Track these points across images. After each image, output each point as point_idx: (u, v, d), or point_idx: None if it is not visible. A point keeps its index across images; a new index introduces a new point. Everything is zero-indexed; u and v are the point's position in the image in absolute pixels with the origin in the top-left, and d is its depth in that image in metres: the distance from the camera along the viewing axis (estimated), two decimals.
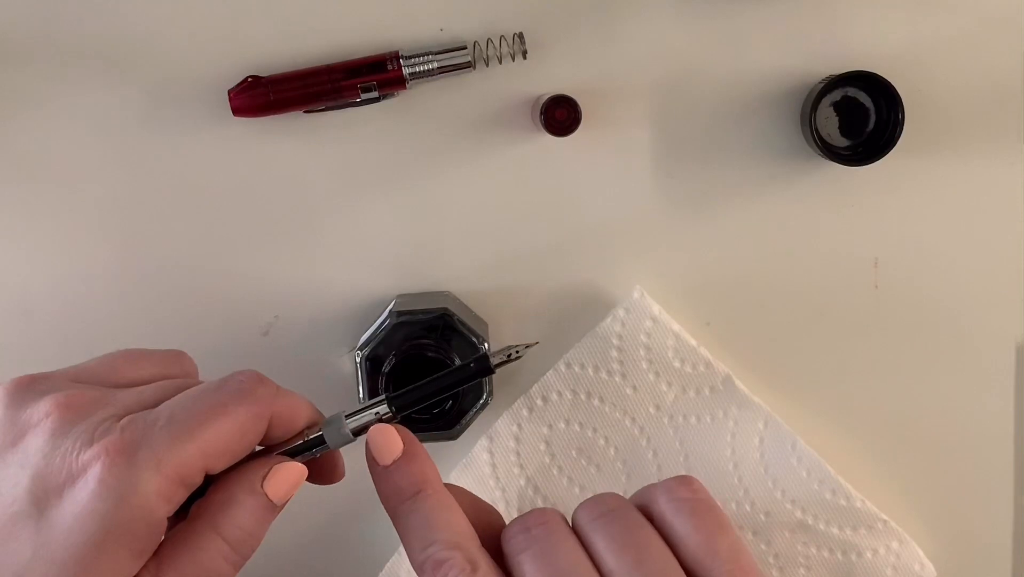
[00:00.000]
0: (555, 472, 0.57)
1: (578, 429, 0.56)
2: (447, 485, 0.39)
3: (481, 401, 0.53)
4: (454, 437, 0.54)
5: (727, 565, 0.35)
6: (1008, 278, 0.57)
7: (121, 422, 0.35)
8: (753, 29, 0.55)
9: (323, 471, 0.41)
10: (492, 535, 0.38)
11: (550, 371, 0.56)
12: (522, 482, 0.56)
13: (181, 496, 0.35)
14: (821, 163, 0.55)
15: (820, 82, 0.54)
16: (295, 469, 0.38)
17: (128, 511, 0.33)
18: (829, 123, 0.55)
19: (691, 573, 0.35)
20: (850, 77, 0.53)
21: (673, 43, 0.55)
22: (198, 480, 0.36)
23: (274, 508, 0.37)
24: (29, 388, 0.37)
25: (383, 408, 0.39)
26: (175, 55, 0.54)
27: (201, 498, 0.37)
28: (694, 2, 0.55)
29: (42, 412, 0.35)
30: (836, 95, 0.55)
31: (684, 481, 0.38)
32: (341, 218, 0.56)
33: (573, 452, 0.57)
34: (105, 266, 0.55)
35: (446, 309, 0.52)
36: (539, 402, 0.56)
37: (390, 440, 0.38)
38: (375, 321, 0.54)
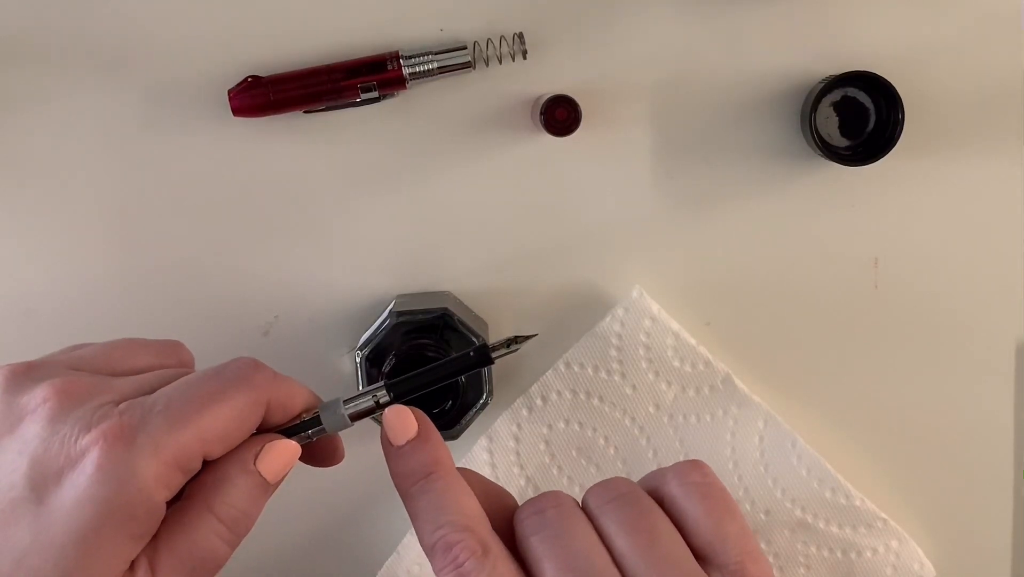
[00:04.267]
0: (555, 472, 0.57)
1: (578, 429, 0.57)
2: (458, 468, 0.39)
3: (481, 401, 0.53)
4: (454, 437, 0.54)
5: (736, 549, 0.35)
6: (1008, 278, 0.57)
7: (119, 408, 0.35)
8: (753, 29, 0.55)
9: (323, 453, 0.41)
10: (504, 517, 0.38)
11: (550, 371, 0.56)
12: (522, 482, 0.57)
13: (179, 481, 0.35)
14: (821, 163, 0.55)
15: (820, 82, 0.54)
16: (288, 447, 0.38)
17: (126, 496, 0.34)
18: (829, 123, 0.55)
19: (700, 556, 0.36)
20: (850, 77, 0.53)
21: (673, 43, 0.55)
22: (196, 466, 0.36)
23: (268, 486, 0.37)
24: (26, 375, 0.37)
25: (382, 394, 0.39)
26: (175, 55, 0.54)
27: (195, 478, 0.37)
28: (694, 2, 0.55)
29: (39, 398, 0.35)
30: (836, 95, 0.55)
31: (695, 465, 0.38)
32: (341, 218, 0.56)
33: (573, 452, 0.57)
34: (105, 266, 0.56)
35: (446, 309, 0.52)
36: (539, 402, 0.56)
37: (405, 421, 0.38)
38: (375, 321, 0.54)
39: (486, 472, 0.56)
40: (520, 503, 0.56)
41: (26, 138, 0.55)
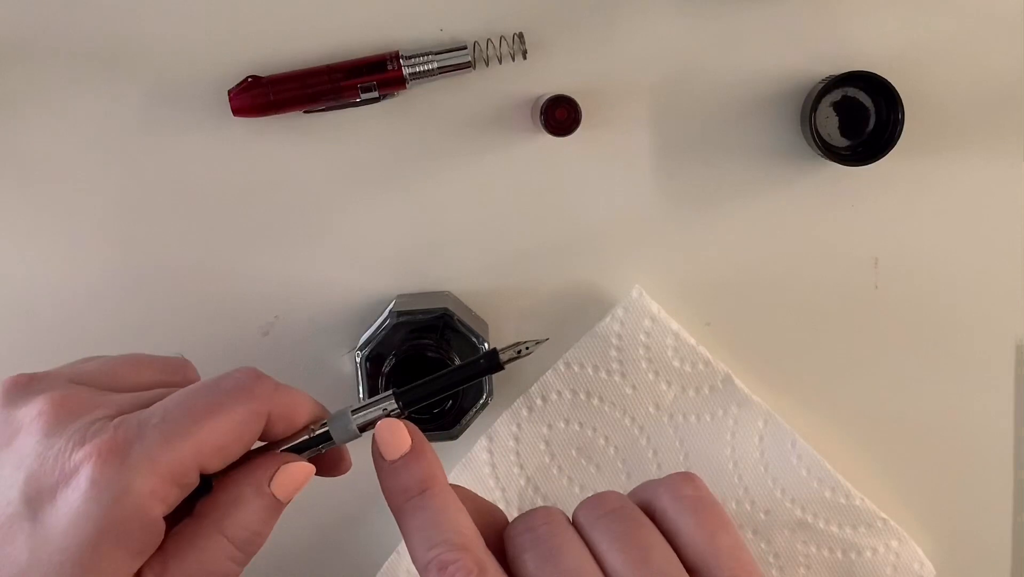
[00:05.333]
0: (555, 472, 0.57)
1: (578, 428, 0.57)
2: (450, 485, 0.38)
3: (481, 401, 0.53)
4: (454, 437, 0.54)
5: (729, 563, 0.35)
6: (1008, 278, 0.57)
7: (114, 421, 0.35)
8: (753, 29, 0.55)
9: (330, 464, 0.40)
10: (494, 533, 0.38)
11: (549, 371, 0.56)
12: (522, 482, 0.57)
13: (176, 496, 0.35)
14: (821, 163, 0.55)
15: (820, 82, 0.54)
16: (303, 468, 0.37)
17: (121, 511, 0.33)
18: (829, 123, 0.55)
19: (693, 570, 0.35)
20: (850, 77, 0.53)
21: (673, 43, 0.55)
22: (193, 479, 0.35)
23: (280, 506, 0.37)
24: (27, 386, 0.37)
25: (390, 403, 0.38)
26: (175, 55, 0.54)
27: (207, 497, 0.37)
28: (694, 2, 0.55)
29: (35, 411, 0.35)
30: (836, 95, 0.55)
31: (687, 478, 0.38)
32: (341, 218, 0.56)
33: (573, 451, 0.57)
34: (105, 266, 0.56)
35: (446, 309, 0.52)
36: (538, 402, 0.56)
37: (398, 436, 0.38)
38: (375, 321, 0.54)
39: (486, 472, 0.56)
40: (519, 504, 0.57)
41: (26, 138, 0.55)
